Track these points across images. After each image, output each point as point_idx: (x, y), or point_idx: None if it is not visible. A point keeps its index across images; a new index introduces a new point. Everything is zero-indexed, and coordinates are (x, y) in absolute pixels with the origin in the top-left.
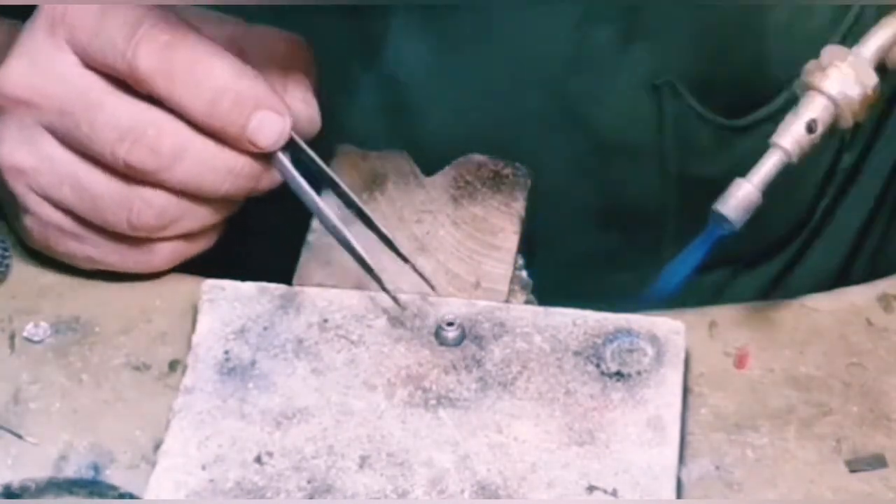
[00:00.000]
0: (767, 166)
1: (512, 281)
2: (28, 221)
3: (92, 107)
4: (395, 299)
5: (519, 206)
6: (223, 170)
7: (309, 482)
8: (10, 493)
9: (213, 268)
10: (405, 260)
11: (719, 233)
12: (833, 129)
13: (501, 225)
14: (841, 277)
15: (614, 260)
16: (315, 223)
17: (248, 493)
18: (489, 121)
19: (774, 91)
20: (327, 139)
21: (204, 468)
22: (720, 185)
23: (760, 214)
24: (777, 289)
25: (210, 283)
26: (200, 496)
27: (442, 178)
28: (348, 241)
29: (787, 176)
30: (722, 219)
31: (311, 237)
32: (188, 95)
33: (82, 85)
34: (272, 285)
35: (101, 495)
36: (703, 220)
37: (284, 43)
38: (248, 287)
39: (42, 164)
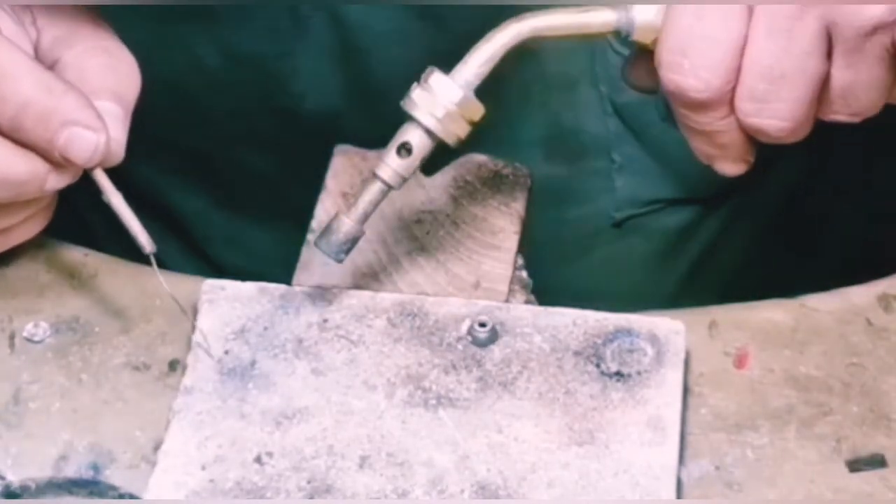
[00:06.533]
0: (366, 199)
1: (512, 281)
2: None
3: None
4: None
5: (519, 206)
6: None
7: (309, 482)
8: (10, 493)
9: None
10: None
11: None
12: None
13: (501, 225)
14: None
15: (568, 191)
16: (314, 223)
17: (248, 493)
18: (437, 49)
19: None
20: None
21: (204, 468)
22: (651, 110)
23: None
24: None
25: (210, 283)
26: (200, 496)
27: (442, 178)
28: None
29: None
30: (329, 253)
31: (311, 237)
32: None
33: None
34: (272, 285)
35: (101, 495)
36: (649, 145)
37: (103, 58)
38: (248, 287)
39: None
